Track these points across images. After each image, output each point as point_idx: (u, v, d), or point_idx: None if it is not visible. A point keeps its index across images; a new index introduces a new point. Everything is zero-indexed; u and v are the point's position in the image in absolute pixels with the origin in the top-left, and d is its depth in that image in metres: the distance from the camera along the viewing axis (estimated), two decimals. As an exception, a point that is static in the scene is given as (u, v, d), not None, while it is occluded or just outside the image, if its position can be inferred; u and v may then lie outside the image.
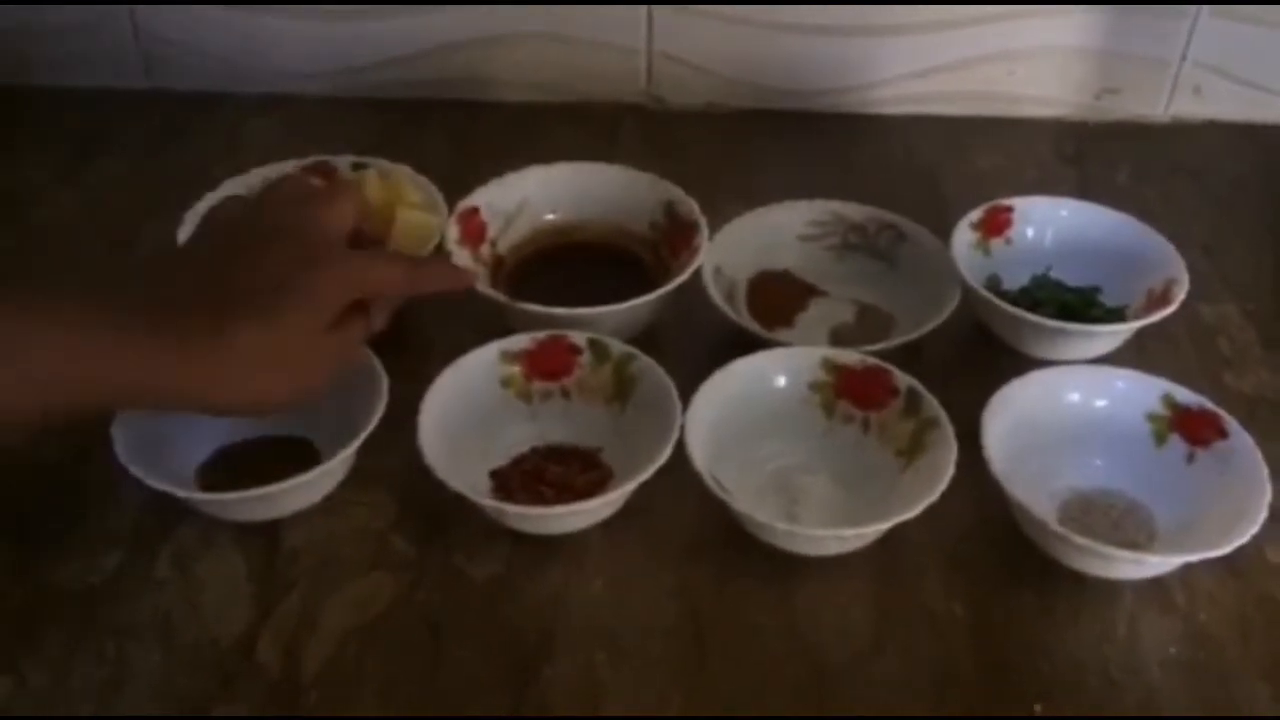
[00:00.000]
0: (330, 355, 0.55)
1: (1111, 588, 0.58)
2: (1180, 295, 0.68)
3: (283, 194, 0.57)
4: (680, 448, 0.58)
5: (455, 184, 0.74)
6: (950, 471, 0.57)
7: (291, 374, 0.53)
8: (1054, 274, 0.74)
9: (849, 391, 0.63)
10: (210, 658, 0.54)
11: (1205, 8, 0.88)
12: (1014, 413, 0.60)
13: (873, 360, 0.63)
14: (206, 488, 0.60)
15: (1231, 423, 0.60)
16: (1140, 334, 0.70)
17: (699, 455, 0.58)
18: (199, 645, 0.55)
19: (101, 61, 0.93)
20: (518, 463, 0.63)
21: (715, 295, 0.68)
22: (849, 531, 0.57)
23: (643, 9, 0.89)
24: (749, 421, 0.63)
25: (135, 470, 0.56)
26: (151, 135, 0.90)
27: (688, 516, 0.60)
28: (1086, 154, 0.91)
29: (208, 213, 0.59)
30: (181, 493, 0.58)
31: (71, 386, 0.48)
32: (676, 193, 0.73)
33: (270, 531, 0.60)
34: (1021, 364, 0.66)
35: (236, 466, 0.61)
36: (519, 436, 0.64)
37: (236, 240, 0.54)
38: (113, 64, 0.93)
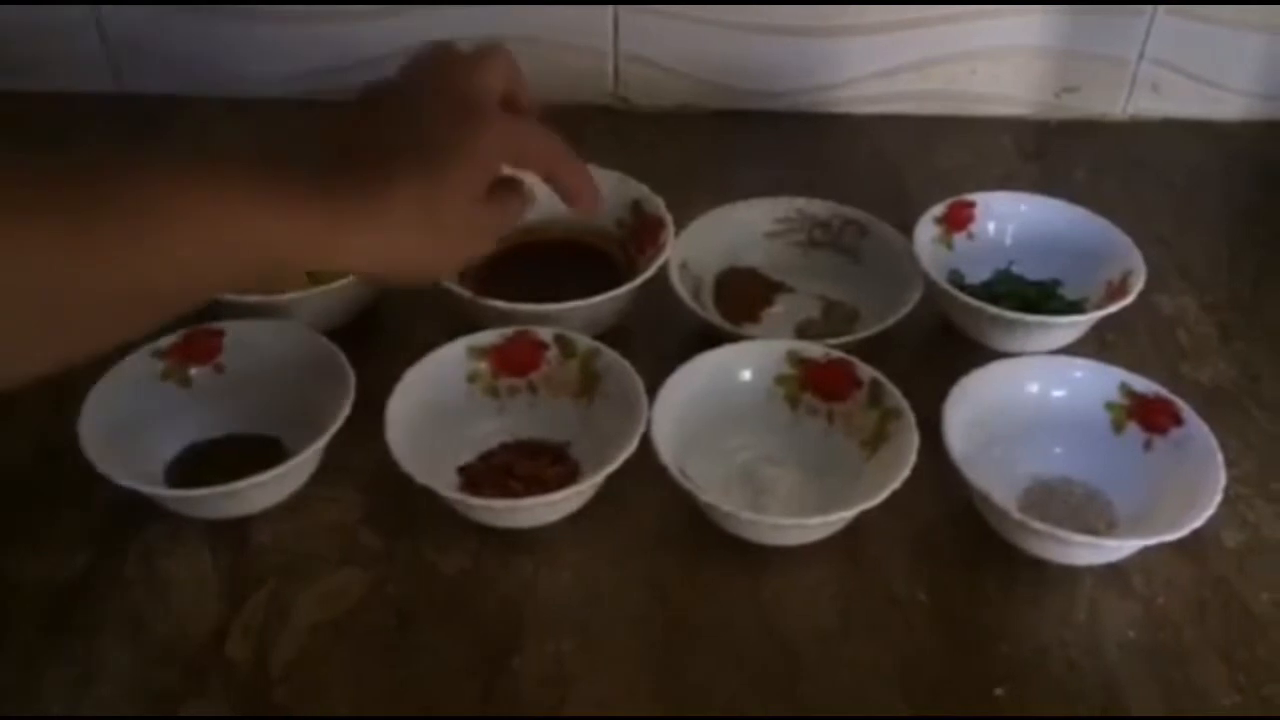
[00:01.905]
0: (487, 225, 0.52)
1: (1071, 573, 0.59)
2: (1137, 287, 0.69)
3: (433, 57, 0.54)
4: (647, 441, 0.58)
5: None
6: (912, 460, 0.58)
7: (453, 240, 0.50)
8: (1015, 268, 0.75)
9: (814, 384, 0.64)
10: (180, 654, 0.54)
11: (1160, 6, 0.89)
12: (975, 403, 0.61)
13: (836, 353, 0.64)
14: (175, 486, 0.61)
15: (1187, 410, 0.61)
16: (1101, 326, 0.71)
17: (666, 448, 0.58)
18: (169, 642, 0.55)
19: (69, 65, 0.93)
20: (486, 458, 0.63)
21: (681, 291, 0.69)
22: (813, 520, 0.58)
23: (609, 12, 0.90)
24: (716, 414, 0.63)
25: (103, 468, 0.56)
26: (119, 138, 0.90)
27: (656, 508, 0.61)
28: (1047, 151, 0.92)
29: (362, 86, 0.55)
30: (149, 490, 0.58)
31: (236, 250, 0.44)
32: (643, 190, 0.74)
33: (239, 528, 0.60)
34: (984, 356, 0.66)
35: (205, 464, 0.62)
36: (487, 432, 0.64)
37: (393, 101, 0.51)
38: (81, 67, 0.93)
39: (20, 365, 0.42)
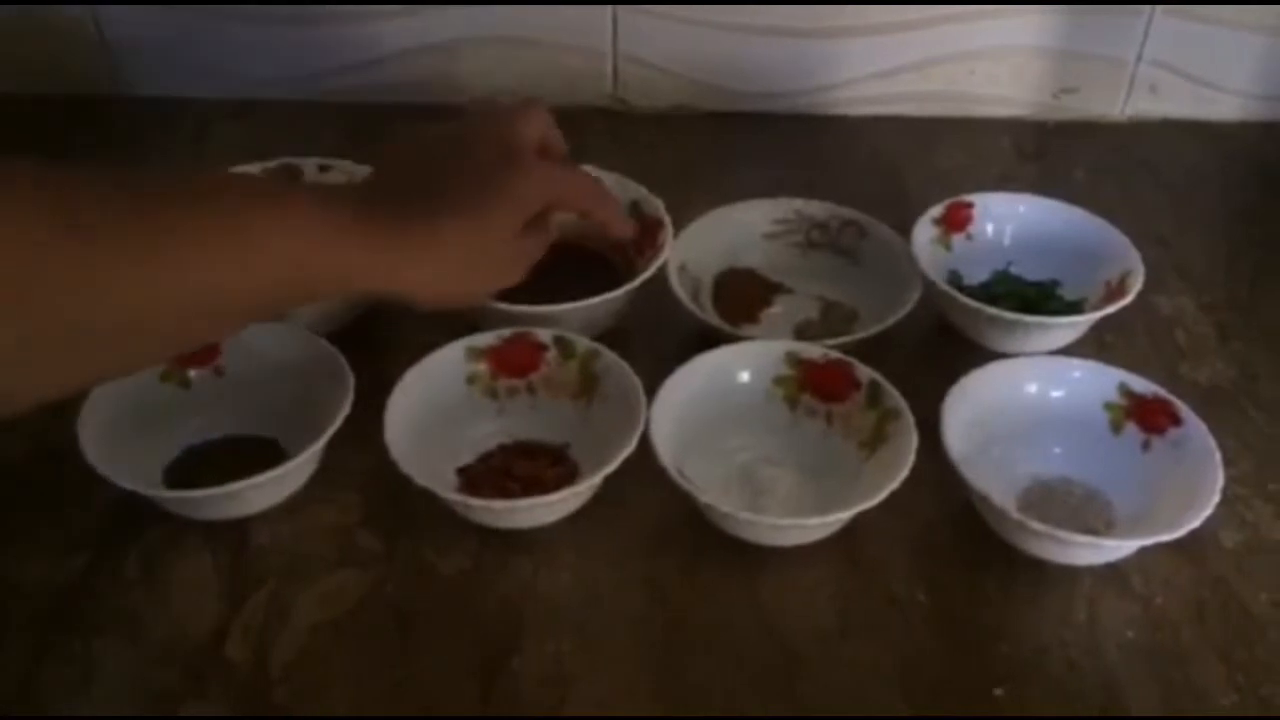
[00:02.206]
0: (524, 255, 0.58)
1: (1070, 573, 0.59)
2: (1136, 287, 0.69)
3: (479, 109, 0.60)
4: (646, 442, 0.58)
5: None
6: (911, 461, 0.58)
7: (492, 270, 0.56)
8: (1014, 269, 0.75)
9: (812, 385, 0.64)
10: (180, 654, 0.54)
11: (1158, 7, 0.89)
12: (973, 403, 0.61)
13: (835, 354, 0.64)
14: (175, 487, 0.61)
15: (1185, 410, 0.61)
16: (1099, 326, 0.71)
17: (664, 449, 0.58)
18: (168, 643, 0.55)
19: (67, 66, 0.93)
20: (485, 459, 0.64)
21: (680, 292, 0.69)
22: (811, 520, 0.58)
23: (608, 13, 0.90)
24: (715, 415, 0.63)
25: (103, 470, 0.56)
26: (117, 140, 0.90)
27: (655, 509, 0.61)
28: (1046, 152, 0.92)
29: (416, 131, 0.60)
30: (148, 492, 0.58)
31: (292, 275, 0.48)
32: (641, 192, 0.74)
33: (238, 530, 0.60)
34: (983, 357, 0.66)
35: (203, 466, 0.62)
36: (486, 433, 0.64)
37: (440, 147, 0.57)
38: (78, 69, 0.93)
39: (86, 379, 0.46)
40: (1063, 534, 0.56)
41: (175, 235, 0.43)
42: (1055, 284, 0.74)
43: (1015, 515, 0.56)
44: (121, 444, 0.59)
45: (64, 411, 0.58)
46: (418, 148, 0.57)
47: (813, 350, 0.65)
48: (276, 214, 0.47)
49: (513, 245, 0.56)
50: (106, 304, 0.42)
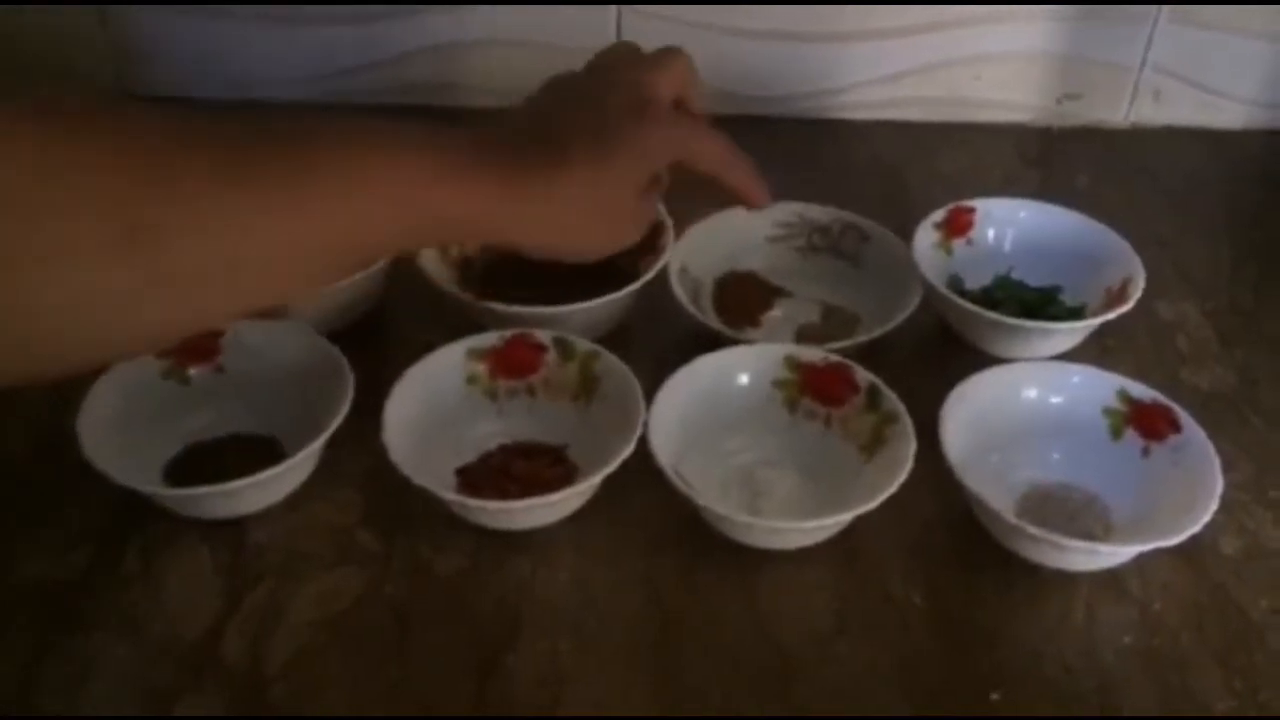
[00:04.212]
0: (641, 214, 0.55)
1: (1068, 578, 0.59)
2: (1137, 293, 0.69)
3: (616, 54, 0.57)
4: (645, 443, 0.58)
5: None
6: (909, 465, 0.58)
7: (609, 226, 0.54)
8: (1015, 274, 0.75)
9: (812, 388, 0.64)
10: (177, 652, 0.55)
11: (1163, 13, 0.89)
12: (972, 408, 0.61)
13: (834, 358, 0.64)
14: (174, 485, 0.61)
15: (1184, 416, 0.61)
16: (1101, 332, 0.71)
17: (663, 451, 0.58)
18: (166, 640, 0.55)
19: (71, 67, 0.93)
20: (485, 459, 0.64)
21: (680, 295, 0.69)
22: (809, 524, 0.58)
23: (612, 17, 0.90)
24: (714, 418, 0.63)
25: (101, 467, 0.56)
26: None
27: (653, 511, 0.61)
28: (1049, 157, 0.92)
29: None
30: (147, 489, 0.58)
31: (403, 222, 0.47)
32: (643, 194, 0.74)
33: (237, 528, 0.60)
34: (983, 362, 0.66)
35: (203, 464, 0.62)
36: (486, 434, 0.64)
37: (571, 90, 0.55)
38: (83, 68, 0.93)
39: (197, 323, 0.45)
40: (1060, 539, 0.56)
41: (290, 180, 0.43)
42: (1056, 289, 0.74)
43: (1013, 520, 0.56)
44: (121, 441, 0.59)
45: (64, 407, 0.59)
46: (552, 86, 0.55)
47: (812, 353, 0.65)
48: (387, 159, 0.46)
49: (633, 202, 0.53)
50: (219, 249, 0.41)
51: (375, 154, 0.45)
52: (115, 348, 0.46)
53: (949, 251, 0.75)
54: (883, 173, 0.90)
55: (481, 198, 0.49)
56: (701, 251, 0.74)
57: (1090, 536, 0.60)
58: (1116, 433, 0.63)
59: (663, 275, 0.70)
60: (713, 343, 0.66)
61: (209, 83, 0.93)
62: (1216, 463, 0.58)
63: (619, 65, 0.55)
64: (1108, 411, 0.63)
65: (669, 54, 0.56)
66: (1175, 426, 0.61)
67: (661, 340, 0.70)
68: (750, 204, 0.59)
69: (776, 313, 0.75)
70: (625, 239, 0.55)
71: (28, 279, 0.37)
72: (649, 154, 0.53)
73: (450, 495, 0.58)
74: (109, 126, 0.40)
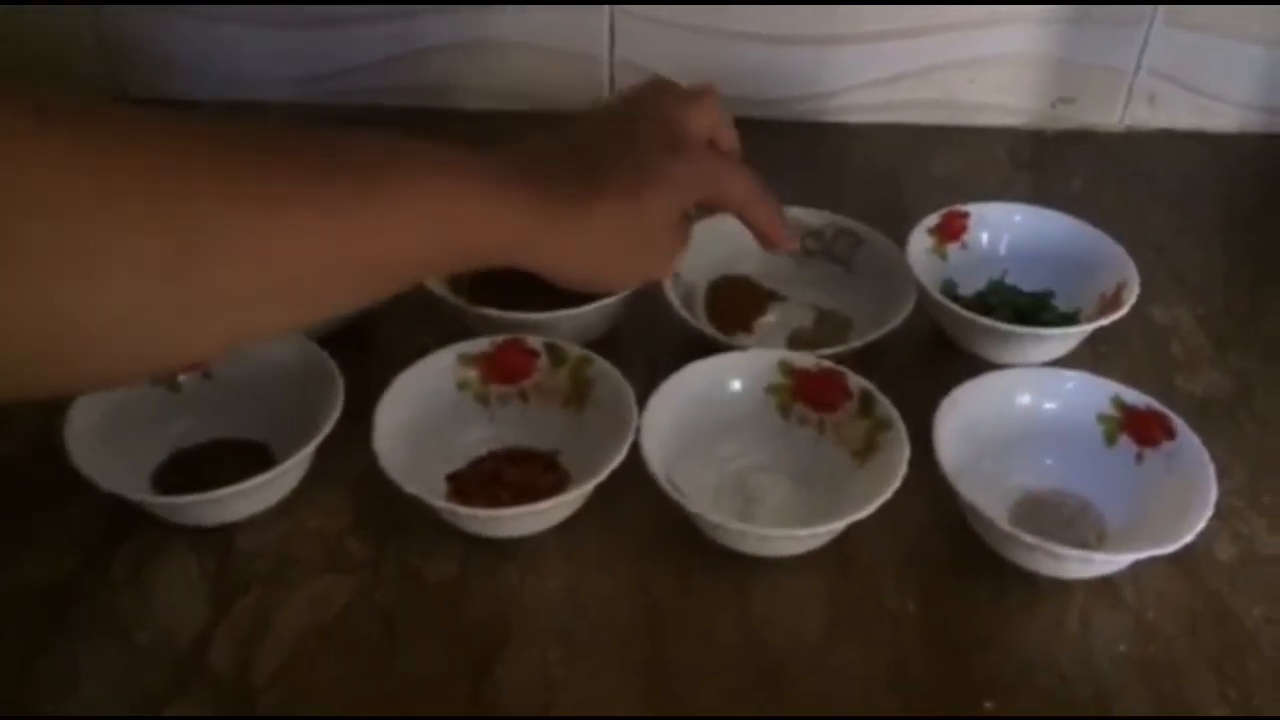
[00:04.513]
0: (672, 248, 0.56)
1: (1062, 586, 0.59)
2: (1131, 298, 0.69)
3: (650, 89, 0.58)
4: (637, 450, 0.58)
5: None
6: (903, 471, 0.57)
7: (640, 258, 0.55)
8: (1009, 278, 0.75)
9: (805, 394, 0.64)
10: (165, 659, 0.54)
11: (1158, 17, 0.89)
12: (966, 414, 0.61)
13: (828, 363, 0.64)
14: (163, 491, 0.60)
15: (1179, 423, 0.61)
16: (1094, 337, 0.71)
17: (655, 457, 0.58)
18: (154, 647, 0.55)
19: (66, 67, 0.92)
20: (475, 465, 0.63)
21: (673, 300, 0.69)
22: (802, 531, 0.58)
23: (605, 20, 0.90)
24: (707, 423, 0.63)
25: (88, 473, 0.56)
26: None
27: (645, 517, 0.61)
28: (1043, 161, 0.92)
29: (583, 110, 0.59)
30: (135, 497, 0.58)
31: (441, 241, 0.47)
32: (636, 198, 0.74)
33: (226, 534, 0.59)
34: (977, 367, 0.66)
35: (192, 470, 0.61)
36: (477, 439, 0.64)
37: (607, 123, 0.55)
38: (77, 70, 0.93)
39: (232, 343, 0.44)
40: (1054, 547, 0.55)
41: (333, 202, 0.43)
42: (1050, 294, 0.73)
43: (1006, 528, 0.56)
44: (109, 447, 0.59)
45: (53, 413, 0.58)
46: (580, 127, 0.56)
47: (805, 359, 0.64)
48: (438, 180, 0.46)
49: (664, 235, 0.54)
50: (262, 269, 0.41)
51: (427, 176, 0.46)
52: (160, 363, 0.46)
53: (943, 256, 0.75)
54: (876, 176, 0.90)
55: (517, 225, 0.49)
56: (695, 255, 0.73)
57: (1084, 543, 0.59)
58: (1110, 439, 0.63)
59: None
60: (706, 349, 0.66)
61: (205, 84, 0.93)
62: (1211, 469, 0.58)
63: (653, 100, 0.56)
64: (1102, 418, 0.63)
65: (702, 91, 0.57)
66: (1169, 433, 0.61)
67: (654, 345, 0.70)
68: (770, 244, 0.60)
69: (770, 317, 0.74)
70: (654, 272, 0.57)
71: (74, 290, 0.36)
72: (681, 189, 0.54)
73: (440, 503, 0.57)
74: (157, 146, 0.39)
